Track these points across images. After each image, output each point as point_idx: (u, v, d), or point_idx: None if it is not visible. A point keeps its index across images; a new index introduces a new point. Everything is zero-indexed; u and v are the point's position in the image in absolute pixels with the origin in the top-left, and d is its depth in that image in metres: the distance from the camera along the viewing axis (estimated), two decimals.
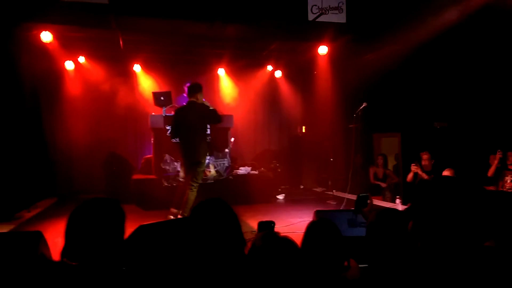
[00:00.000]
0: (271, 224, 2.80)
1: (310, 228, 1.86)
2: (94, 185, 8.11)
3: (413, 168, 6.03)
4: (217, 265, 1.54)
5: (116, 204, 1.56)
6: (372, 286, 1.60)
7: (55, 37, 6.78)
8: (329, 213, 4.18)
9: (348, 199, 6.64)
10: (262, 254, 1.32)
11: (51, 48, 7.17)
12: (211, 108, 5.45)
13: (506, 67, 5.40)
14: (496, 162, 5.55)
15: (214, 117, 5.41)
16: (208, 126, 7.11)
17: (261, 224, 2.77)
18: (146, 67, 8.91)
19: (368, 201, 2.89)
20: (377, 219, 1.78)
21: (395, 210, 2.01)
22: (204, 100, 8.02)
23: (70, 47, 7.57)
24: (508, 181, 5.53)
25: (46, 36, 6.65)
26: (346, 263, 2.01)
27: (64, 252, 1.45)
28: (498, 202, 1.82)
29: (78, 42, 7.53)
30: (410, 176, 6.16)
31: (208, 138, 6.50)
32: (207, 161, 7.09)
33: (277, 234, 1.41)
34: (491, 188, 5.61)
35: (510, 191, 5.44)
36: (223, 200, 1.76)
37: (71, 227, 1.46)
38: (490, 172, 5.64)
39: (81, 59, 8.30)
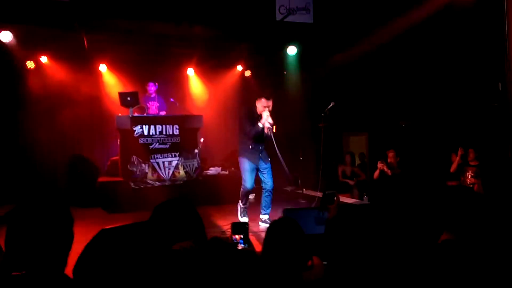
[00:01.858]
0: (245, 225, 2.79)
1: (271, 227, 1.85)
2: (59, 188, 7.83)
3: (379, 165, 6.17)
4: (177, 267, 1.50)
5: (62, 207, 1.48)
6: (333, 285, 1.62)
7: (15, 36, 6.52)
8: (297, 211, 4.21)
9: (318, 197, 6.71)
10: (202, 259, 1.29)
11: (12, 47, 6.89)
12: None
13: (467, 67, 5.61)
14: (458, 158, 5.75)
15: None
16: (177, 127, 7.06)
17: (235, 226, 2.75)
18: (112, 67, 8.69)
19: (335, 198, 2.91)
20: (336, 216, 1.79)
21: (356, 206, 2.03)
22: (171, 100, 7.95)
23: (31, 46, 7.30)
24: (469, 176, 5.74)
25: (6, 36, 6.38)
26: (310, 262, 2.01)
27: (5, 261, 1.37)
28: (457, 196, 1.87)
29: (40, 42, 7.26)
30: (376, 174, 6.29)
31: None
32: (175, 161, 7.01)
33: (221, 239, 1.38)
34: (453, 183, 5.81)
35: (471, 186, 5.65)
36: (187, 199, 1.72)
37: (11, 233, 1.38)
38: (452, 168, 5.84)
39: (44, 59, 8.01)
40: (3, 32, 6.27)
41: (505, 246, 1.65)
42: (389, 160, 6.32)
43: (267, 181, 5.34)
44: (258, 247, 3.29)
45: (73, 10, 5.29)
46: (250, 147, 5.28)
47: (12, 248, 1.37)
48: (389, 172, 6.05)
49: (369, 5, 6.05)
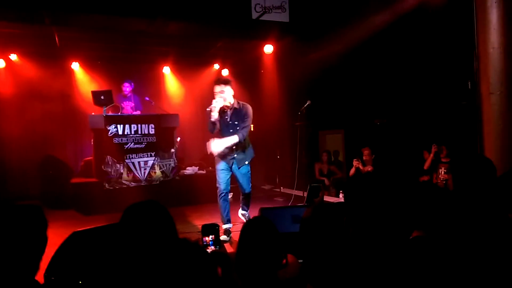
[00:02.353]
0: (215, 226, 2.76)
1: (245, 227, 1.84)
2: (30, 190, 7.62)
3: (355, 163, 6.26)
4: (150, 270, 1.48)
5: (36, 210, 1.44)
6: (306, 283, 1.63)
7: None
8: (274, 210, 4.22)
9: (295, 195, 6.76)
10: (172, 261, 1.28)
11: None
12: None
13: (438, 66, 5.75)
14: (431, 155, 5.88)
15: None
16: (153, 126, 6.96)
17: (205, 227, 2.72)
18: (85, 65, 8.50)
19: (320, 193, 2.93)
20: (311, 215, 1.80)
21: (331, 204, 2.05)
22: (147, 98, 7.83)
23: (0, 44, 7.05)
24: (442, 173, 5.88)
25: None
26: (284, 261, 2.01)
27: None
28: (427, 194, 1.92)
29: (9, 39, 7.02)
30: (352, 171, 6.38)
31: None
32: (151, 161, 6.91)
33: (189, 240, 1.37)
34: (425, 177, 5.96)
35: (444, 182, 5.80)
36: (157, 202, 1.69)
37: None
38: (426, 165, 5.96)
39: (13, 57, 7.76)
40: None
41: (472, 241, 1.70)
42: (364, 157, 6.42)
43: (242, 186, 4.97)
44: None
45: (43, 4, 5.13)
46: None
47: None
48: (365, 170, 6.16)
49: (344, 4, 6.12)
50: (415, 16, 5.54)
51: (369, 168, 6.16)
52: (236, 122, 4.64)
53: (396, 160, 6.34)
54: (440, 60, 5.67)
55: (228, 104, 4.58)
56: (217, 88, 4.53)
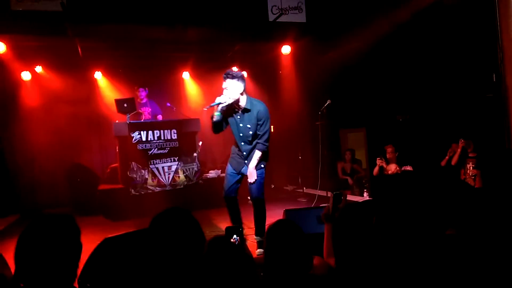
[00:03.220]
0: (239, 228, 2.77)
1: (270, 232, 1.85)
2: (59, 198, 7.85)
3: (378, 162, 6.18)
4: (180, 275, 1.51)
5: (68, 219, 1.50)
6: (339, 283, 1.63)
7: (9, 47, 6.52)
8: (298, 211, 4.21)
9: (319, 195, 6.73)
10: (208, 261, 1.30)
11: (5, 58, 6.89)
12: None
13: (461, 59, 5.62)
14: (459, 150, 5.75)
15: None
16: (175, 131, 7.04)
17: (228, 229, 2.74)
18: (108, 74, 8.69)
19: (342, 198, 2.91)
20: (341, 215, 1.80)
21: (360, 204, 2.04)
22: (168, 104, 7.94)
23: (26, 57, 7.28)
24: (470, 168, 5.75)
25: None
26: (312, 263, 2.02)
27: (16, 277, 1.38)
28: (458, 192, 1.89)
29: (34, 52, 7.25)
30: (376, 170, 6.30)
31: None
32: (175, 166, 7.01)
33: (227, 239, 1.39)
34: (444, 162, 5.87)
35: (472, 177, 5.67)
36: (182, 208, 1.73)
37: (20, 250, 1.39)
38: (454, 160, 5.83)
39: (39, 69, 8.01)
40: None
41: (504, 240, 1.67)
42: (387, 155, 6.33)
43: (251, 190, 4.36)
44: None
45: (66, 18, 5.28)
46: (232, 150, 4.39)
47: (22, 263, 1.38)
48: (388, 168, 6.06)
49: (361, 1, 6.07)
50: (435, 9, 5.44)
51: (393, 166, 6.06)
52: (248, 126, 4.05)
53: (421, 156, 6.23)
54: (463, 52, 5.55)
55: (232, 102, 3.91)
56: (223, 84, 3.92)
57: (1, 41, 6.33)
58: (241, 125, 4.08)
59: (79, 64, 8.05)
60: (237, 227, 2.60)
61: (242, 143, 4.18)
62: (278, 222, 1.89)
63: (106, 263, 2.52)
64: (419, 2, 5.49)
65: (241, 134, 4.12)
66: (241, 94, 3.94)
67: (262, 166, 4.27)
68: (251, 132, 4.06)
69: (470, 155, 5.76)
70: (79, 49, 7.14)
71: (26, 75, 7.97)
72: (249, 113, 4.03)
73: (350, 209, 2.00)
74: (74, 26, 5.72)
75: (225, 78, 3.91)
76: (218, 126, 4.05)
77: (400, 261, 1.77)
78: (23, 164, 7.98)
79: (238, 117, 4.06)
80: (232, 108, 4.01)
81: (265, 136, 4.11)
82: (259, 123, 4.04)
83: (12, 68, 7.41)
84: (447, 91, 5.95)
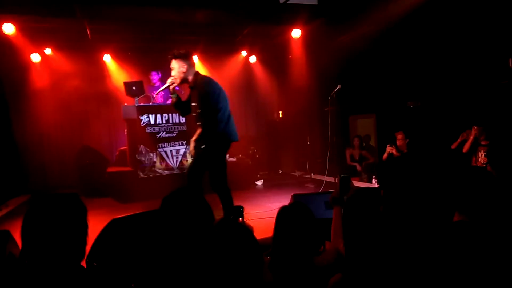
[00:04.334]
0: (239, 208, 2.78)
1: (281, 212, 1.83)
2: (69, 180, 7.93)
3: (388, 149, 6.11)
4: (189, 255, 1.50)
5: (74, 198, 1.48)
6: (348, 269, 1.60)
7: (18, 28, 6.52)
8: (306, 196, 4.18)
9: (326, 181, 6.70)
10: (214, 241, 1.28)
11: (15, 40, 6.88)
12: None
13: (476, 44, 5.48)
14: (471, 137, 5.64)
15: None
16: None
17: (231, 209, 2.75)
18: (116, 57, 8.65)
19: (351, 184, 2.87)
20: (351, 199, 1.76)
21: (371, 189, 2.01)
22: (177, 88, 7.87)
23: (35, 38, 7.27)
24: (481, 156, 5.65)
25: (8, 28, 6.37)
26: (322, 248, 2.00)
27: (23, 254, 1.38)
28: (471, 177, 1.83)
29: (43, 34, 7.24)
30: (385, 156, 6.24)
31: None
32: (183, 150, 7.01)
33: (233, 220, 1.38)
34: (454, 145, 5.78)
35: (484, 165, 5.58)
36: (194, 189, 1.72)
37: (26, 228, 1.38)
38: (466, 148, 5.73)
39: (48, 51, 8.00)
40: (5, 24, 6.25)
41: None
42: (398, 142, 6.25)
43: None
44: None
45: None
46: None
47: (29, 241, 1.37)
48: (398, 155, 6.00)
49: None
50: None
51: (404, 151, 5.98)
52: (193, 104, 3.89)
53: (432, 144, 6.14)
54: (478, 37, 5.41)
55: (179, 81, 3.84)
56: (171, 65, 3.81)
57: (10, 23, 6.32)
58: (193, 104, 3.92)
59: (88, 46, 8.02)
60: (238, 207, 2.60)
61: (198, 124, 3.95)
62: (289, 204, 1.86)
63: (113, 243, 2.53)
64: None
65: (194, 114, 3.94)
66: (188, 72, 3.84)
67: (203, 147, 3.92)
68: (198, 111, 3.85)
69: (482, 143, 5.66)
70: (88, 31, 7.10)
71: (35, 57, 7.96)
72: (194, 91, 3.91)
73: (360, 193, 1.96)
74: (83, 7, 5.67)
75: (170, 59, 3.84)
76: (179, 108, 3.94)
77: (409, 246, 1.74)
78: (33, 146, 8.05)
79: (192, 96, 3.92)
80: (188, 88, 3.90)
81: (207, 113, 3.80)
82: (203, 99, 3.82)
83: (21, 50, 7.40)
84: (461, 77, 5.82)
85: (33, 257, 1.37)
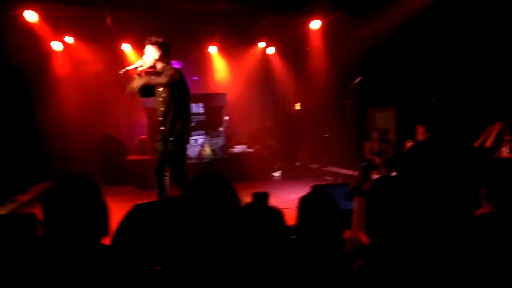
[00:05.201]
0: (265, 195, 2.79)
1: (304, 201, 1.82)
2: (89, 167, 8.07)
3: (408, 145, 6.02)
4: (216, 239, 1.52)
5: (83, 179, 1.51)
6: (374, 259, 1.60)
7: (41, 17, 6.62)
8: (326, 187, 4.17)
9: (345, 174, 6.67)
10: (247, 221, 1.29)
11: (38, 28, 7.00)
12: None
13: (500, 35, 5.34)
14: (494, 133, 5.52)
15: None
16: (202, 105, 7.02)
17: (255, 196, 2.76)
18: (136, 46, 8.72)
19: (370, 174, 2.87)
20: (374, 188, 1.75)
21: (394, 178, 1.99)
22: (195, 78, 7.92)
23: (57, 27, 7.37)
24: (504, 152, 5.54)
25: (31, 16, 6.48)
26: (342, 237, 1.99)
27: (47, 235, 1.42)
28: (500, 167, 1.81)
29: (65, 22, 7.32)
30: (406, 149, 6.16)
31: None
32: (201, 140, 7.06)
33: (263, 204, 1.38)
34: (477, 142, 5.66)
35: None
36: (221, 174, 1.73)
37: (47, 210, 1.42)
38: (489, 143, 5.62)
39: (69, 39, 8.11)
40: (27, 11, 6.36)
41: None
42: (418, 136, 6.16)
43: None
44: None
45: None
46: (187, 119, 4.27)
47: (48, 222, 1.42)
48: None
49: None
50: None
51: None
52: (160, 89, 4.03)
53: (454, 138, 6.03)
54: (502, 30, 5.26)
55: (147, 66, 4.00)
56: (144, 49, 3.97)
57: (34, 11, 6.42)
58: (159, 89, 4.03)
59: (107, 35, 8.10)
60: (264, 193, 2.61)
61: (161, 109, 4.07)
62: (312, 193, 1.86)
63: (138, 227, 2.57)
64: None
65: (160, 99, 4.04)
66: (158, 60, 3.97)
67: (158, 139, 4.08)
68: (162, 97, 3.98)
69: (505, 138, 5.54)
70: (108, 20, 7.17)
71: (57, 45, 8.09)
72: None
73: (383, 182, 1.94)
74: None
75: (145, 44, 3.95)
76: (140, 90, 3.97)
77: (433, 236, 1.72)
78: (55, 133, 8.22)
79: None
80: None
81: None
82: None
83: (43, 38, 7.53)
84: (484, 71, 5.68)
85: (55, 236, 1.41)
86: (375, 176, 6.12)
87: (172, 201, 2.55)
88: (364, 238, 2.04)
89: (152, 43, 3.93)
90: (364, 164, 2.64)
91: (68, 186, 1.47)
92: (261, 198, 2.59)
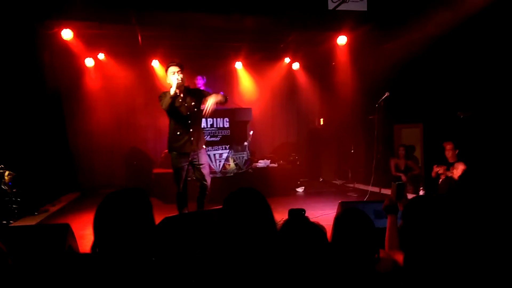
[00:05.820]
0: (301, 211, 2.75)
1: (340, 218, 1.80)
2: (115, 179, 8.23)
3: (436, 169, 5.83)
4: (252, 253, 1.51)
5: (142, 193, 1.54)
6: (410, 278, 1.56)
7: (75, 34, 6.89)
8: (355, 204, 4.10)
9: (371, 191, 6.55)
10: (291, 237, 1.28)
11: (72, 45, 7.29)
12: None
13: None
14: None
15: None
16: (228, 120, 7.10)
17: (292, 212, 2.73)
18: (164, 63, 8.92)
19: (404, 192, 2.79)
20: (410, 207, 1.72)
21: (431, 198, 1.94)
22: (221, 93, 8.00)
23: (90, 44, 7.66)
24: None
25: (67, 34, 6.75)
26: (376, 255, 1.95)
27: (95, 246, 1.44)
28: None
29: (97, 39, 7.61)
30: (433, 175, 5.99)
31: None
32: (226, 154, 7.10)
33: (307, 219, 1.37)
34: None
35: None
36: (256, 190, 1.73)
37: (99, 219, 1.44)
38: None
39: (101, 56, 8.39)
40: (64, 30, 6.62)
41: None
42: (446, 152, 6.00)
43: (200, 176, 4.68)
44: None
45: (132, 5, 5.49)
46: (178, 133, 4.53)
47: (101, 234, 1.43)
48: (447, 174, 5.65)
49: None
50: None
51: (460, 165, 5.50)
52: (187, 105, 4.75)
53: (483, 156, 5.85)
54: None
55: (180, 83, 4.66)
56: (175, 68, 4.60)
57: (69, 28, 6.69)
58: (185, 105, 4.80)
59: (138, 52, 8.34)
60: (300, 210, 2.58)
61: (192, 124, 4.79)
62: (348, 209, 1.84)
63: (166, 240, 2.60)
64: None
65: (188, 113, 4.79)
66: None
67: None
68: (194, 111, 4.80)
69: None
70: (139, 37, 7.38)
71: (89, 62, 8.37)
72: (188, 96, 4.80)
73: (419, 201, 1.90)
74: (138, 14, 5.91)
75: (181, 68, 4.63)
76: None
77: (473, 258, 1.66)
78: (83, 146, 8.45)
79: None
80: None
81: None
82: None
83: (77, 55, 7.83)
84: None
85: (104, 249, 1.43)
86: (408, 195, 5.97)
87: (200, 216, 2.56)
88: (398, 257, 2.00)
89: (183, 69, 4.61)
90: (398, 182, 2.59)
91: (124, 199, 1.48)
92: (298, 214, 2.56)
